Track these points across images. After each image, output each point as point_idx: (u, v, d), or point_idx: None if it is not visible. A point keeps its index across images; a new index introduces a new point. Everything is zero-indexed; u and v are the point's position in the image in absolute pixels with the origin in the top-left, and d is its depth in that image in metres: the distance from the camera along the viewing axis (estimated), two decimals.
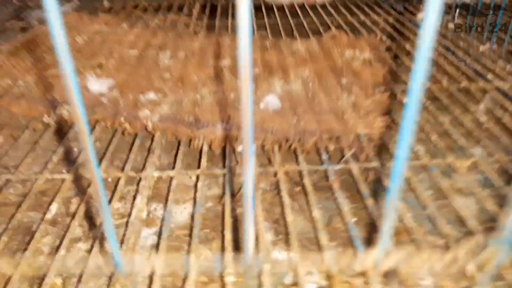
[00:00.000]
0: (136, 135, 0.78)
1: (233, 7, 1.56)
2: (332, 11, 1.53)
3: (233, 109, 0.85)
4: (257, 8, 1.57)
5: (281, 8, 1.58)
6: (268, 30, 1.34)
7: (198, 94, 0.91)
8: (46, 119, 0.80)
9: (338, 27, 1.35)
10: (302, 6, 1.60)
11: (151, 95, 0.89)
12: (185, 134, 0.79)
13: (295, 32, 1.31)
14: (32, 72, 0.97)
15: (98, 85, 0.91)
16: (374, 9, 1.57)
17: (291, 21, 1.42)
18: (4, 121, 0.81)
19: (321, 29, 1.34)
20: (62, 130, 0.79)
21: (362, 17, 1.47)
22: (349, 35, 1.21)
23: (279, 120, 0.81)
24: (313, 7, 1.59)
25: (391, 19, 1.43)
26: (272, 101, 0.88)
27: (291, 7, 1.59)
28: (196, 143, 0.76)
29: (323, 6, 1.61)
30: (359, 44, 1.15)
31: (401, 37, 1.27)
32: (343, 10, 1.55)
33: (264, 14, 1.51)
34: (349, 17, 1.47)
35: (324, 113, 0.84)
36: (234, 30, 1.34)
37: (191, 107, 0.86)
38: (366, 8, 1.57)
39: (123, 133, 0.79)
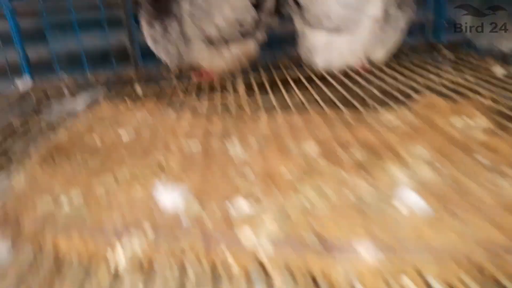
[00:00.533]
0: (246, 273, 0.54)
1: (284, 82, 1.38)
2: (396, 75, 1.36)
3: (364, 216, 0.61)
4: (307, 79, 1.40)
5: (334, 76, 1.41)
6: (336, 102, 1.14)
7: (301, 197, 0.68)
8: (112, 258, 0.56)
9: (416, 91, 1.16)
10: (357, 73, 1.43)
11: (243, 205, 0.66)
12: (317, 266, 0.54)
13: (368, 102, 1.12)
14: (76, 185, 0.75)
15: (168, 196, 0.68)
16: (440, 67, 1.39)
17: (356, 90, 1.23)
18: (51, 267, 0.56)
19: (397, 95, 1.14)
20: (143, 275, 0.54)
21: (433, 77, 1.28)
22: (445, 100, 1.01)
23: (441, 231, 0.57)
24: (370, 72, 1.42)
25: (470, 78, 1.24)
26: (410, 198, 0.64)
27: (345, 74, 1.42)
28: (338, 279, 0.52)
29: (380, 70, 1.44)
30: (465, 110, 0.94)
31: (498, 96, 1.07)
32: (407, 72, 1.37)
33: (320, 84, 1.34)
34: (418, 78, 1.29)
35: (494, 211, 0.60)
36: (296, 107, 1.15)
37: (303, 219, 0.62)
38: (430, 68, 1.40)
39: (224, 270, 0.55)
